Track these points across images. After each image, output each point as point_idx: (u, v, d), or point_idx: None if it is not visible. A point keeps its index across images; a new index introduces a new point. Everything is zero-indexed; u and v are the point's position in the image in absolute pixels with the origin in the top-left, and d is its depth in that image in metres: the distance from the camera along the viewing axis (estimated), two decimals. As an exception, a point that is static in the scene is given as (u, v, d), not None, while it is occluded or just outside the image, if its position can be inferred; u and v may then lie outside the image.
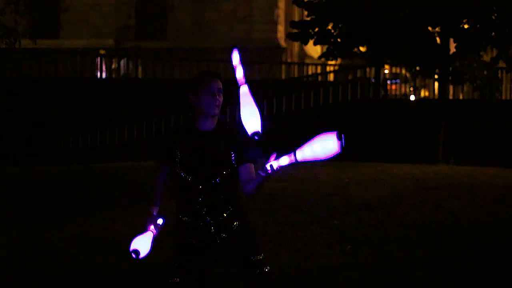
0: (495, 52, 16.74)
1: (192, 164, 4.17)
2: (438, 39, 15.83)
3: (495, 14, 15.28)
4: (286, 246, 7.49)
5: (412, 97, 20.59)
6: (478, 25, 15.38)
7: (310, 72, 24.34)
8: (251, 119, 4.03)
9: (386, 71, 21.49)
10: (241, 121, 4.09)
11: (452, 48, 15.81)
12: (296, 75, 24.84)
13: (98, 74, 22.36)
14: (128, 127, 19.79)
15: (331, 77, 23.53)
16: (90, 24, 29.85)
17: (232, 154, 4.18)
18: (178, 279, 4.18)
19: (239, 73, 4.14)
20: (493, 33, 15.37)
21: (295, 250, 7.31)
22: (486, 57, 17.72)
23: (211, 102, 4.16)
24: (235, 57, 4.13)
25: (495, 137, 17.66)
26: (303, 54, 31.27)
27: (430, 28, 15.91)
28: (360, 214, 8.99)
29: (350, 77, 21.86)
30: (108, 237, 8.09)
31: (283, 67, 26.16)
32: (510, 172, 12.47)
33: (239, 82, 4.11)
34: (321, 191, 10.46)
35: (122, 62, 23.15)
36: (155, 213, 4.41)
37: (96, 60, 22.52)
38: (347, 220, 8.69)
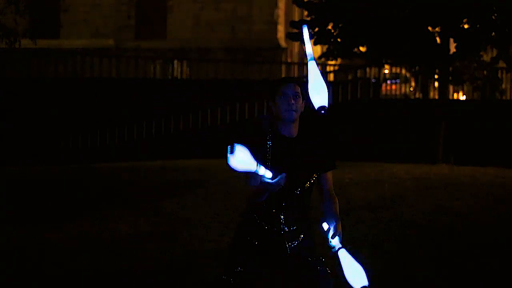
0: (495, 52, 16.75)
1: (282, 169, 4.02)
2: (438, 39, 15.82)
3: (495, 14, 15.27)
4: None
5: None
6: (478, 25, 15.37)
7: (310, 72, 24.30)
8: (318, 94, 4.03)
9: (386, 71, 21.51)
10: (308, 95, 4.08)
11: (452, 48, 15.81)
12: (296, 75, 24.84)
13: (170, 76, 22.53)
14: (128, 127, 19.79)
15: (331, 77, 23.53)
16: (90, 24, 29.83)
17: (316, 162, 4.15)
18: (232, 279, 4.13)
19: (308, 49, 4.10)
20: (493, 33, 15.37)
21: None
22: (486, 57, 17.73)
23: (287, 107, 4.11)
24: (305, 33, 4.10)
25: (495, 137, 17.66)
26: (303, 54, 31.25)
27: (430, 28, 15.91)
28: (360, 214, 8.98)
29: (350, 77, 21.86)
30: (108, 237, 8.09)
31: (283, 67, 26.16)
32: (510, 172, 12.46)
33: (308, 57, 4.09)
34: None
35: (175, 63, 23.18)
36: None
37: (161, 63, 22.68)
38: (347, 220, 8.69)
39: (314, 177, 4.17)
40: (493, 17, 15.31)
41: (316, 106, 4.03)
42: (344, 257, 4.07)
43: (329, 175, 4.23)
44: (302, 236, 4.23)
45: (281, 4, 30.05)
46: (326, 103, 4.03)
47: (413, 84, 21.37)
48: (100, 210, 9.48)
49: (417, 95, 21.31)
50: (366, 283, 4.06)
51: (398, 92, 21.56)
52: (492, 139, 17.62)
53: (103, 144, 19.75)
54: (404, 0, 15.27)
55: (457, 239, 7.91)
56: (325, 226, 4.13)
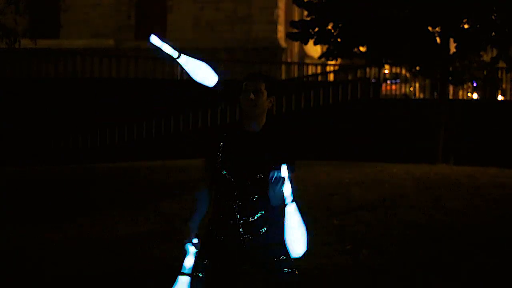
0: (495, 52, 16.74)
1: (232, 162, 4.16)
2: (438, 39, 15.82)
3: (495, 14, 15.27)
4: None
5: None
6: (478, 25, 15.37)
7: (310, 72, 24.33)
8: (203, 72, 4.15)
9: (386, 71, 21.50)
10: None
11: (452, 48, 15.80)
12: (296, 75, 24.83)
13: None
14: (128, 127, 19.79)
15: (331, 77, 23.52)
16: (90, 24, 29.83)
17: (271, 157, 4.17)
18: (200, 274, 4.15)
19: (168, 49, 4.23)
20: (493, 33, 15.36)
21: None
22: (486, 57, 17.72)
23: (247, 102, 4.17)
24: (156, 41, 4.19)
25: (495, 137, 17.66)
26: (303, 54, 31.26)
27: (430, 28, 15.90)
28: (360, 214, 8.98)
29: (350, 77, 21.85)
30: (108, 237, 8.09)
31: (283, 67, 26.15)
32: (510, 172, 12.46)
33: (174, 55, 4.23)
34: (321, 191, 10.45)
35: None
36: (192, 232, 4.20)
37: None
38: (347, 220, 8.69)
39: (265, 172, 4.15)
40: (493, 17, 15.31)
41: (205, 83, 4.17)
42: (291, 215, 4.00)
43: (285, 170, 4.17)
44: (264, 229, 4.19)
45: (281, 4, 30.05)
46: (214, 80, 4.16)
47: (417, 84, 21.35)
48: (100, 210, 9.48)
49: (417, 95, 21.32)
50: (302, 251, 3.96)
51: (398, 92, 21.56)
52: (492, 139, 17.62)
53: (103, 144, 19.74)
54: (404, 0, 15.28)
55: (457, 239, 7.91)
56: (284, 170, 4.03)
